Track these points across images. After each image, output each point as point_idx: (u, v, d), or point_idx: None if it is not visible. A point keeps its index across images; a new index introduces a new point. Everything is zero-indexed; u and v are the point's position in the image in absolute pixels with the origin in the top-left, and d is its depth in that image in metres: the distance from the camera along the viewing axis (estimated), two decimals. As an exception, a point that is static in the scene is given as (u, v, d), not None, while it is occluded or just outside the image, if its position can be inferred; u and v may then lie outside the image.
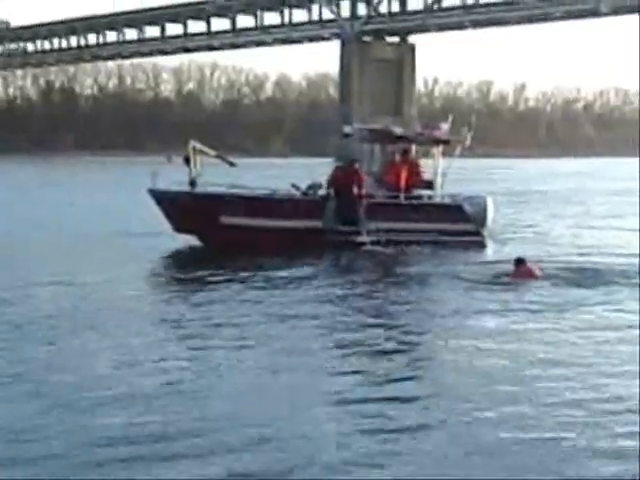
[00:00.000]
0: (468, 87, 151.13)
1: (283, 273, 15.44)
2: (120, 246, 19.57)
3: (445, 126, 19.76)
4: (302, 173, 45.33)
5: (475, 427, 7.08)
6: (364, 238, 19.07)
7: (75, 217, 26.99)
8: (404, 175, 19.74)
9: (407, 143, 20.24)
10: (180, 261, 18.45)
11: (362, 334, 10.57)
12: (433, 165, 20.20)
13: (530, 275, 14.91)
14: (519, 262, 15.23)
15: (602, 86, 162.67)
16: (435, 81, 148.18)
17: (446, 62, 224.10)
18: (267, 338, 10.29)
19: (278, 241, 18.32)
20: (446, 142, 19.99)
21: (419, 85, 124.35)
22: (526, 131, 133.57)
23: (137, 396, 7.88)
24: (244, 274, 15.18)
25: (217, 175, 19.46)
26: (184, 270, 16.78)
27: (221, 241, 18.90)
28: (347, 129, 20.51)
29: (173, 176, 19.81)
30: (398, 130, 19.94)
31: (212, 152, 19.50)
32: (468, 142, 19.78)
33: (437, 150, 20.11)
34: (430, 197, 20.19)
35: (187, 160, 18.83)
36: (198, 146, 18.84)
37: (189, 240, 19.58)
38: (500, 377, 8.58)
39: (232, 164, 19.87)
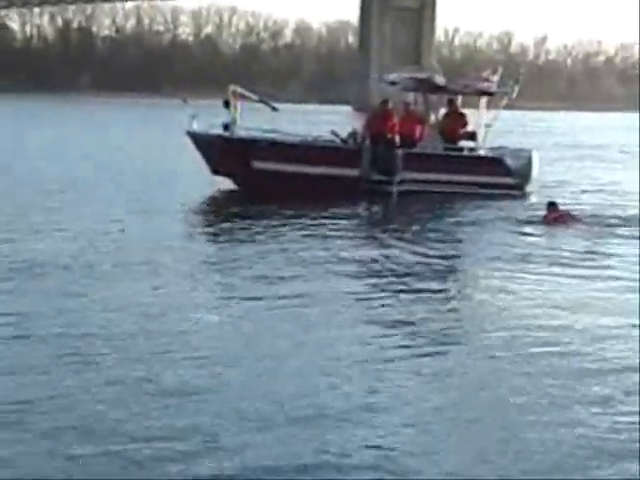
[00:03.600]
0: (489, 38, 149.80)
1: (311, 220, 15.40)
2: (154, 189, 19.52)
3: (493, 78, 19.52)
4: (325, 119, 45.14)
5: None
6: (393, 188, 18.97)
7: (101, 158, 26.84)
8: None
9: (451, 94, 20.04)
10: (211, 205, 18.40)
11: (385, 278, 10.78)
12: (476, 116, 20.02)
13: (562, 220, 15.13)
14: (551, 206, 15.54)
15: (624, 40, 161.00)
16: (455, 31, 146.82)
17: (467, 12, 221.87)
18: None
19: (312, 188, 18.19)
20: (491, 94, 19.78)
21: (439, 35, 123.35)
22: (547, 84, 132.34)
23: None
24: (267, 221, 15.19)
25: (259, 120, 19.40)
26: (212, 215, 16.87)
27: (253, 185, 18.88)
28: (392, 76, 20.30)
29: (209, 119, 19.78)
30: (441, 80, 19.69)
31: (254, 96, 19.36)
32: (514, 95, 19.57)
33: (481, 102, 19.93)
34: (472, 149, 20.04)
35: (227, 104, 18.72)
36: (239, 90, 18.69)
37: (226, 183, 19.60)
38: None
39: (274, 108, 19.71)
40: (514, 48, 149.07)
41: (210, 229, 14.82)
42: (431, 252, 12.55)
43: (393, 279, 10.64)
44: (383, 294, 9.82)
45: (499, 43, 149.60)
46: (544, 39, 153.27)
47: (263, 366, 7.20)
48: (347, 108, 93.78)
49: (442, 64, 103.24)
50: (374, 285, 10.29)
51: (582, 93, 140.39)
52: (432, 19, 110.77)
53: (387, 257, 12.03)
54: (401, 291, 9.99)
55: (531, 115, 75.48)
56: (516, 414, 6.29)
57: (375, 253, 12.36)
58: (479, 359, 7.55)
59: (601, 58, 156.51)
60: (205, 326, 8.37)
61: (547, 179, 22.02)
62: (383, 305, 9.36)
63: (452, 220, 16.24)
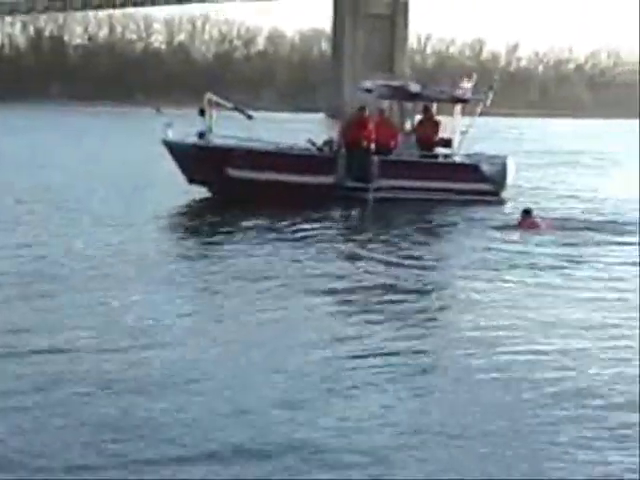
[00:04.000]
0: (461, 45, 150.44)
1: (287, 228, 15.36)
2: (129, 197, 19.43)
3: (468, 85, 19.59)
4: (299, 127, 44.99)
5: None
6: (369, 195, 18.96)
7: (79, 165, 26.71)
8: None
9: (426, 101, 20.08)
10: (185, 214, 18.27)
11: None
12: (452, 123, 20.08)
13: (535, 226, 15.39)
14: (526, 213, 15.82)
15: (594, 47, 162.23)
16: (428, 38, 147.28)
17: (439, 19, 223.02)
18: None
19: (288, 196, 18.18)
20: (465, 101, 19.84)
21: (412, 42, 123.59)
22: (518, 91, 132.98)
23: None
24: (241, 230, 15.11)
25: (234, 128, 19.39)
26: (186, 224, 16.75)
27: (229, 193, 18.85)
28: (368, 84, 20.30)
29: (183, 127, 19.77)
30: (416, 87, 19.72)
31: (229, 104, 19.35)
32: (489, 102, 19.67)
33: (456, 108, 19.99)
34: (447, 156, 20.09)
35: (202, 112, 18.73)
36: (214, 98, 18.68)
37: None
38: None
39: (250, 117, 19.70)
40: (486, 55, 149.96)
41: (184, 238, 14.70)
42: (406, 261, 12.49)
43: (367, 292, 10.52)
44: (354, 308, 9.71)
45: (471, 50, 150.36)
46: (516, 46, 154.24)
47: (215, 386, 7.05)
48: (320, 116, 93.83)
49: (414, 71, 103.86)
50: (346, 298, 10.19)
51: (553, 100, 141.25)
52: (404, 26, 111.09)
53: (361, 267, 11.93)
54: (375, 303, 9.90)
55: (504, 122, 75.73)
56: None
57: (349, 263, 12.28)
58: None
59: (571, 65, 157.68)
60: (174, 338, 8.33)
61: (523, 185, 22.17)
62: (351, 318, 9.25)
63: (428, 227, 16.30)
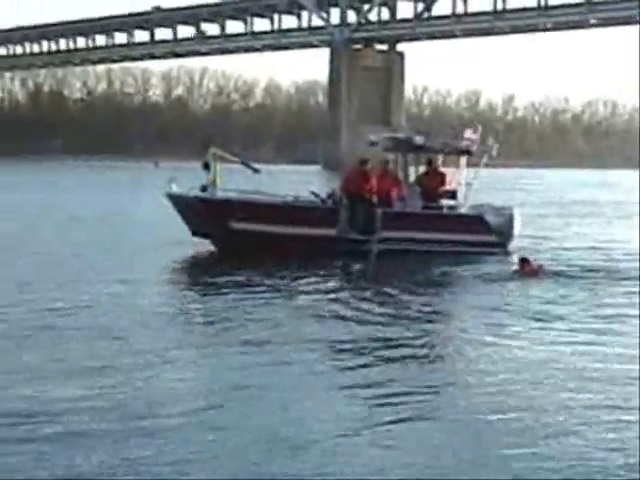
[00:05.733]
0: (457, 96, 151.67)
1: (287, 281, 15.15)
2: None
3: (474, 136, 19.60)
4: (297, 179, 44.99)
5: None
6: (372, 247, 18.82)
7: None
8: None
9: (430, 153, 20.06)
10: (188, 267, 18.15)
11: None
12: (457, 175, 20.01)
13: (533, 274, 15.62)
14: (523, 262, 16.13)
15: (590, 97, 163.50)
16: (424, 90, 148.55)
17: (435, 71, 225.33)
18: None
19: (290, 248, 18.12)
20: (469, 152, 19.81)
21: (408, 93, 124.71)
22: (515, 141, 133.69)
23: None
24: (243, 284, 14.81)
25: (234, 181, 19.35)
26: (187, 278, 16.64)
27: (232, 246, 18.80)
28: (373, 137, 20.30)
29: (184, 181, 19.79)
30: (421, 140, 19.69)
31: (234, 158, 19.37)
32: (494, 153, 19.65)
33: (461, 160, 19.97)
34: (452, 207, 20.02)
35: (206, 166, 18.74)
36: (219, 152, 18.70)
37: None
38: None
39: (256, 170, 19.70)
40: (482, 106, 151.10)
41: (183, 292, 14.47)
42: (408, 319, 12.16)
43: (371, 344, 10.36)
44: (356, 362, 9.55)
45: (467, 101, 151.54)
46: (512, 97, 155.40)
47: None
48: (318, 167, 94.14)
49: (411, 122, 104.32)
50: (349, 351, 10.05)
51: (550, 150, 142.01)
52: (401, 78, 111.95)
53: (363, 328, 11.59)
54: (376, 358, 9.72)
55: (504, 173, 75.88)
56: None
57: (350, 322, 11.88)
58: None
59: (568, 115, 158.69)
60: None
61: (531, 235, 22.06)
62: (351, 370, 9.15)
63: (431, 280, 16.01)
